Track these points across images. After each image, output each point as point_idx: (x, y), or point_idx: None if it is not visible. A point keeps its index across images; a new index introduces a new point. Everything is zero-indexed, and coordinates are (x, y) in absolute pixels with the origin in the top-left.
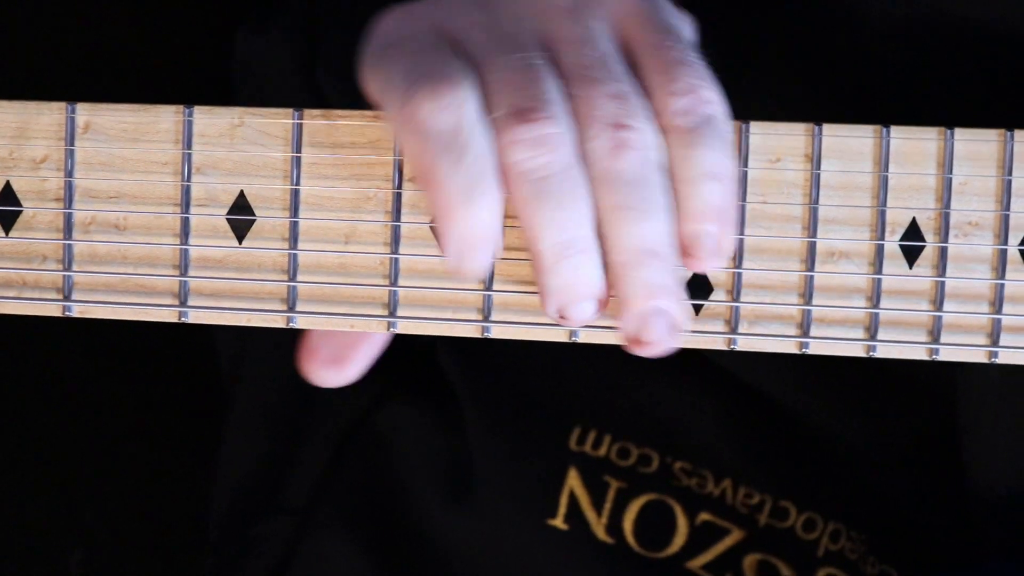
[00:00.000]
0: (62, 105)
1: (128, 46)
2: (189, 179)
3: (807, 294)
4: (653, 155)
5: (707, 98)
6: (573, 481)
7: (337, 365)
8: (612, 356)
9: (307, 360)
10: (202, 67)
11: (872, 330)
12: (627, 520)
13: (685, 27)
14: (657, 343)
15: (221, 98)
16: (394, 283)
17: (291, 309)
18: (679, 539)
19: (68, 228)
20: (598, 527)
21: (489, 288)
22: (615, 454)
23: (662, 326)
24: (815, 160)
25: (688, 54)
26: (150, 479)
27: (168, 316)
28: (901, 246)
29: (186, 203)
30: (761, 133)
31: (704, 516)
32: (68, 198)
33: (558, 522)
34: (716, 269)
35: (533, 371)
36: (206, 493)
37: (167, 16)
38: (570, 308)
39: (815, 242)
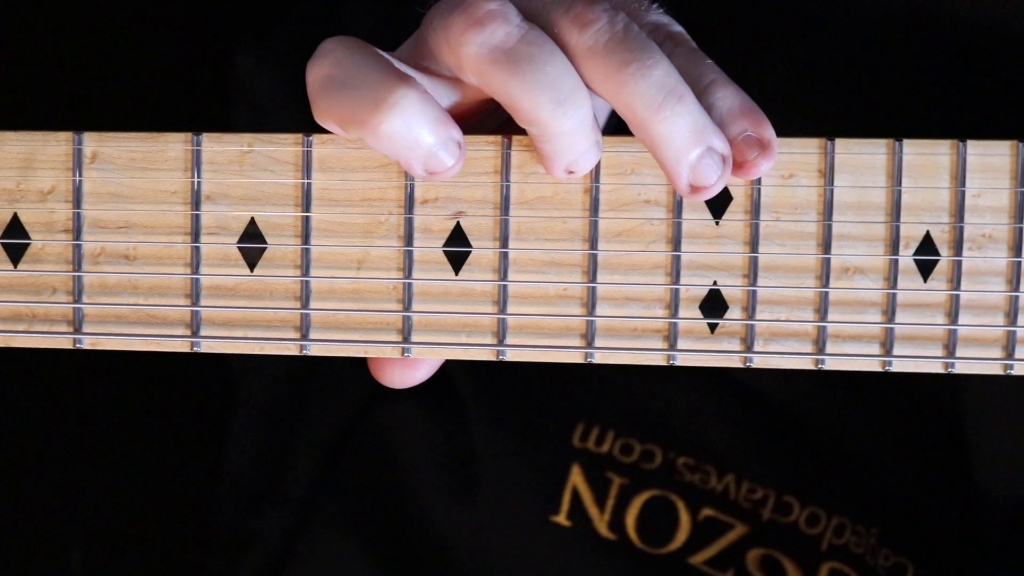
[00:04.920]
0: (69, 135)
1: (132, 73)
2: (199, 207)
3: (822, 310)
4: (622, 14)
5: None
6: (576, 478)
7: (408, 366)
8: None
9: (374, 361)
10: (202, 83)
11: (888, 345)
12: (630, 516)
13: None
14: (714, 184)
15: (220, 115)
16: (408, 308)
17: (305, 336)
18: (681, 535)
19: (77, 260)
20: (601, 524)
21: (503, 311)
22: (618, 450)
23: (714, 165)
24: (828, 176)
25: None
26: (150, 479)
27: (180, 346)
28: (916, 260)
29: (196, 232)
30: None
31: (707, 512)
32: (77, 229)
33: (561, 519)
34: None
35: (536, 368)
36: (206, 493)
37: (168, 34)
38: (578, 162)
39: (829, 258)
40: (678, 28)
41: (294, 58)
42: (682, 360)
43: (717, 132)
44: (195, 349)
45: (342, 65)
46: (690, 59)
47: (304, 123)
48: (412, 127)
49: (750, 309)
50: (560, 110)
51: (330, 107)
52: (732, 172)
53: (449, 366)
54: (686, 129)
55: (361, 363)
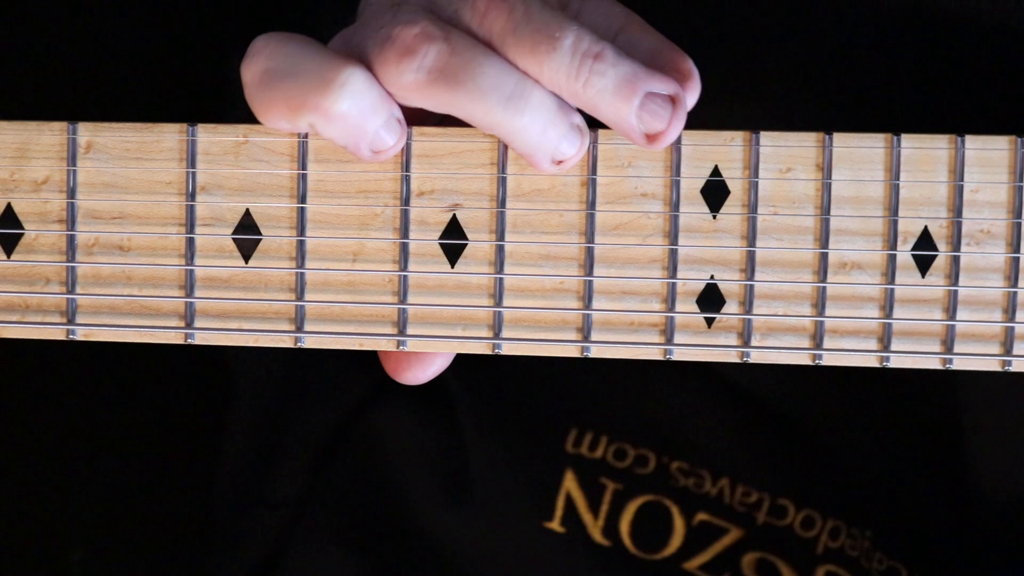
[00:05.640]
0: (63, 125)
1: (127, 64)
2: (193, 198)
3: (820, 305)
4: None
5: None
6: (570, 483)
7: (419, 363)
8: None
9: (388, 358)
10: (199, 86)
11: (885, 340)
12: (624, 522)
13: None
14: (669, 127)
15: (217, 111)
16: (403, 300)
17: (299, 329)
18: (676, 540)
19: (71, 250)
20: (594, 529)
21: (499, 304)
22: (612, 455)
23: (660, 109)
24: (826, 170)
25: None
26: (150, 479)
27: (174, 338)
28: (913, 255)
29: (191, 223)
30: (772, 144)
31: (701, 516)
32: (71, 219)
33: (555, 525)
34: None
35: (529, 373)
36: (203, 493)
37: (166, 35)
38: (559, 150)
39: (827, 253)
40: None
41: None
42: (679, 354)
43: (651, 75)
44: (189, 341)
45: (278, 56)
46: (600, 10)
47: None
48: (363, 106)
49: (747, 304)
50: (511, 105)
51: (274, 98)
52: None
53: (443, 371)
54: (612, 85)
55: (355, 365)
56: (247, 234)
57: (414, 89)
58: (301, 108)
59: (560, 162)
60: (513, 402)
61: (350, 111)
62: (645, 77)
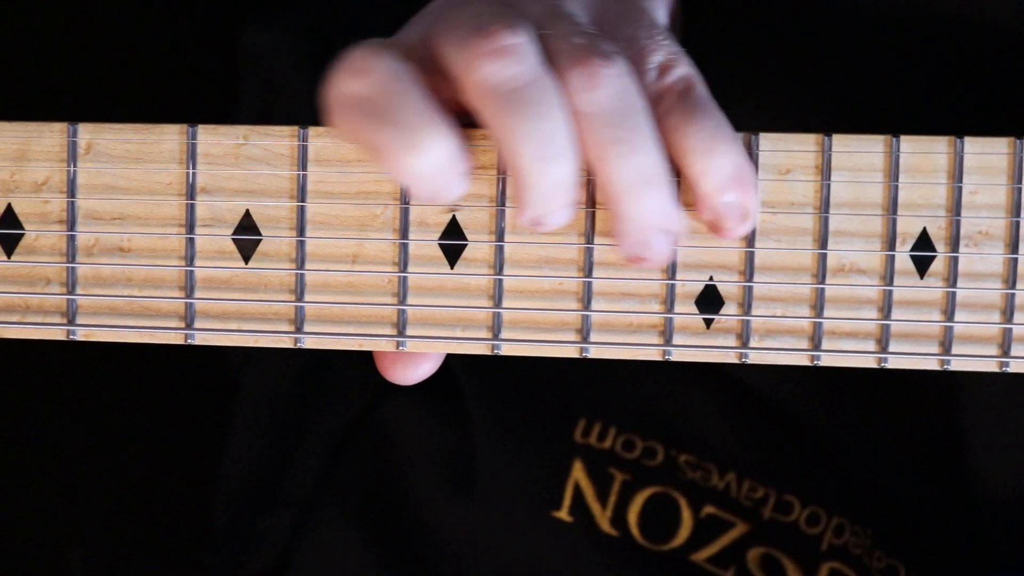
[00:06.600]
0: (63, 126)
1: (127, 65)
2: (193, 199)
3: (818, 306)
4: (630, 84)
5: (686, 67)
6: (578, 473)
7: (411, 362)
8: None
9: (381, 357)
10: (207, 63)
11: (883, 341)
12: (632, 513)
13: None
14: (658, 259)
15: (225, 94)
16: (403, 302)
17: (299, 330)
18: (683, 532)
19: (71, 251)
20: (603, 519)
21: (499, 305)
22: (620, 446)
23: (663, 243)
24: (825, 172)
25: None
26: (150, 479)
27: (174, 338)
28: (912, 257)
29: (191, 224)
30: (771, 147)
31: (708, 509)
32: (71, 220)
33: (563, 514)
34: (745, 233)
35: (538, 364)
36: (207, 492)
37: (166, 36)
38: (546, 219)
39: (826, 254)
40: (686, 71)
41: (306, 35)
42: (677, 355)
43: (678, 219)
44: (189, 341)
45: (381, 91)
46: (691, 116)
47: (315, 103)
48: (441, 171)
49: (746, 305)
50: (541, 166)
51: (359, 133)
52: (709, 230)
53: (451, 362)
54: (650, 214)
55: (363, 362)
56: (247, 235)
57: (474, 88)
58: (380, 156)
59: (537, 226)
60: (522, 392)
61: (426, 173)
62: (675, 220)
